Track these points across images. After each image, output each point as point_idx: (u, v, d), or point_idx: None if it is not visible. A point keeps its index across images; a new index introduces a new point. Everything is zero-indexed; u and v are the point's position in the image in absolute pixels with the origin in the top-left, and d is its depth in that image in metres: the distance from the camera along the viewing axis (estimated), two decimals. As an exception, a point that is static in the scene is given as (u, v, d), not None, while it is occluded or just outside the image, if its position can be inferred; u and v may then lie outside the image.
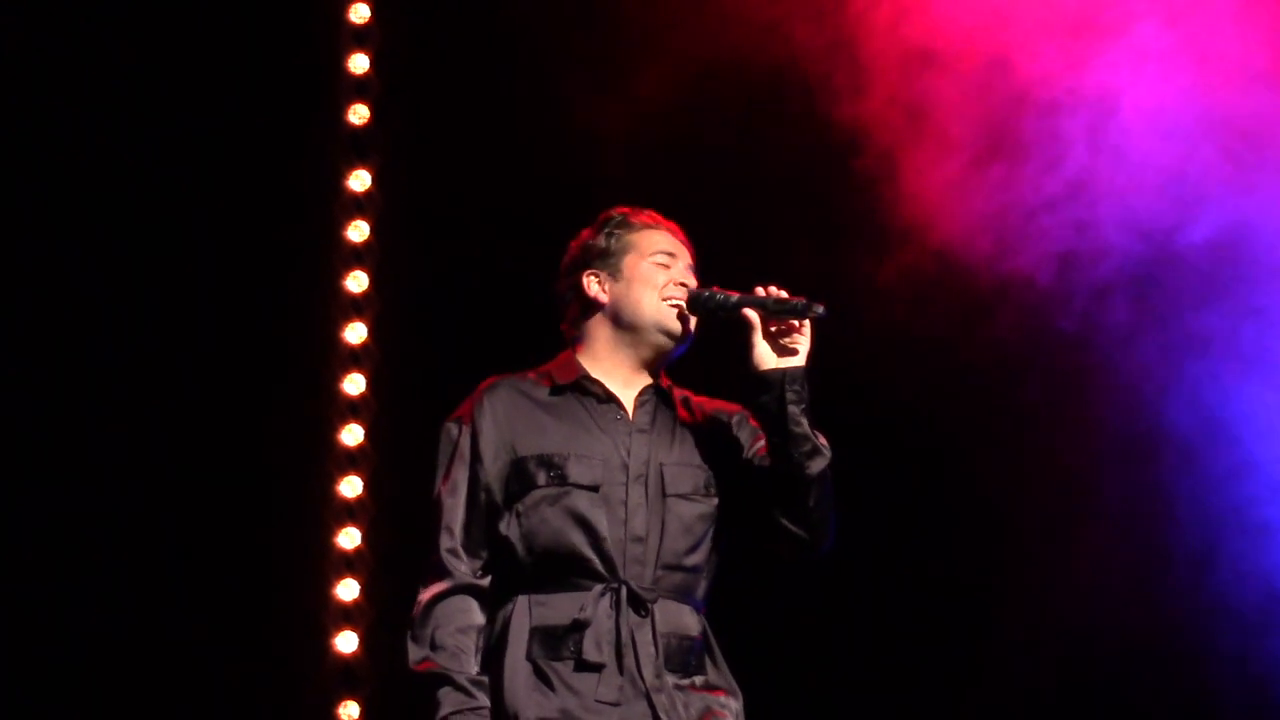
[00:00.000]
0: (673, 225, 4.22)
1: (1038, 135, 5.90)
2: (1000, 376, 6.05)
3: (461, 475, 4.06)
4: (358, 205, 6.58)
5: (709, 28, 6.13)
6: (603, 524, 3.99)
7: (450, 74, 6.46)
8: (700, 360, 4.22)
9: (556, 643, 3.96)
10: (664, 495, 4.04)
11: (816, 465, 4.00)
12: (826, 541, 4.06)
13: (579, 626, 3.95)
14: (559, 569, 3.99)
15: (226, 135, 6.37)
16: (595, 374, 4.12)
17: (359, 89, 6.61)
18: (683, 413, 4.15)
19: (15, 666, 6.11)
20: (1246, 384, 5.80)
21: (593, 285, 4.16)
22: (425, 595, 4.00)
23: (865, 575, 6.02)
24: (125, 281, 6.31)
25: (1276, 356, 5.79)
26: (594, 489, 4.01)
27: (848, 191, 6.04)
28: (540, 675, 3.95)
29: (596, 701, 3.92)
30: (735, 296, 4.07)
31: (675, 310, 4.11)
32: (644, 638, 3.96)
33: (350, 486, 6.47)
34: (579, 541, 3.98)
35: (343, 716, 6.36)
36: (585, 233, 4.22)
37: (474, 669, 3.95)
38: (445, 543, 4.03)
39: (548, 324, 4.27)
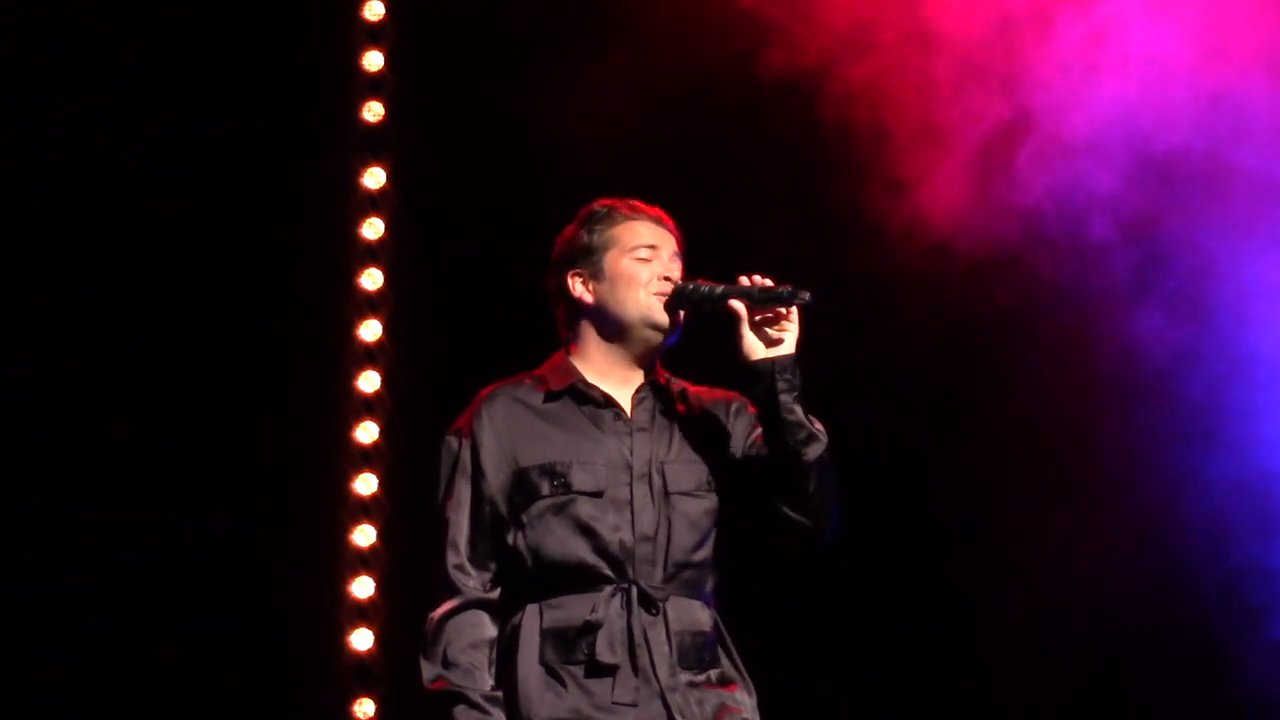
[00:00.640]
0: (656, 211, 4.17)
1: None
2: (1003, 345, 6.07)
3: (464, 490, 4.04)
4: (372, 202, 6.58)
5: (711, 24, 6.14)
6: (610, 528, 3.97)
7: (464, 71, 6.45)
8: (696, 348, 4.18)
9: (569, 645, 3.94)
10: (668, 493, 4.02)
11: (813, 451, 3.97)
12: (831, 527, 4.03)
13: (591, 628, 3.93)
14: (569, 576, 3.97)
15: (241, 133, 6.37)
16: (589, 374, 4.09)
17: (373, 86, 6.60)
18: (681, 406, 4.12)
19: (32, 664, 6.12)
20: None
21: (577, 286, 4.12)
22: (435, 613, 3.99)
23: (869, 554, 6.02)
24: (137, 280, 6.31)
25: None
26: (598, 494, 3.99)
27: (831, 170, 6.05)
28: (554, 677, 3.94)
29: (613, 703, 3.91)
30: (720, 288, 4.02)
31: (660, 305, 4.07)
32: (657, 636, 3.95)
33: (365, 484, 6.47)
34: (587, 548, 3.97)
35: (358, 714, 6.35)
36: (568, 229, 4.19)
37: (488, 685, 3.94)
38: (451, 559, 4.01)
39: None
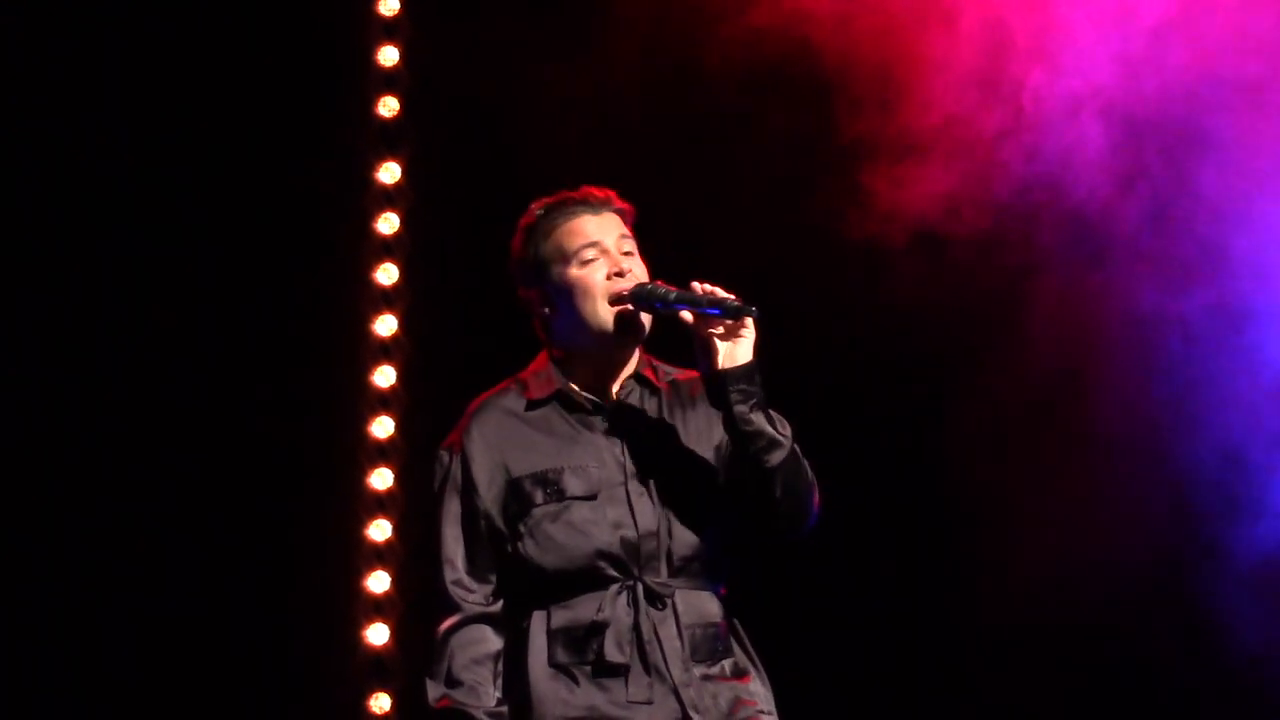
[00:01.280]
0: (590, 193, 4.07)
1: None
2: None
3: (457, 506, 4.02)
4: (388, 198, 6.58)
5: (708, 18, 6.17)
6: (609, 530, 3.95)
7: (480, 65, 6.45)
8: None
9: (578, 645, 3.93)
10: (665, 487, 3.99)
11: (775, 458, 3.92)
12: (805, 523, 4.00)
13: (598, 628, 3.92)
14: (573, 580, 3.95)
15: (257, 128, 6.37)
16: (572, 376, 4.05)
17: (389, 82, 6.60)
18: (670, 397, 4.08)
19: (47, 659, 6.13)
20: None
21: (537, 304, 4.06)
22: (438, 631, 3.98)
23: (865, 540, 6.06)
24: (152, 276, 6.31)
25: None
26: (593, 497, 3.97)
27: (821, 145, 6.08)
28: (566, 675, 3.93)
29: (628, 701, 3.90)
30: (674, 294, 3.93)
31: (618, 315, 3.99)
32: (668, 632, 3.94)
33: (381, 479, 6.47)
34: (588, 552, 3.95)
35: (374, 709, 6.36)
36: (515, 242, 4.10)
37: (492, 701, 3.94)
38: (449, 575, 3.99)
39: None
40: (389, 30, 6.63)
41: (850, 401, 6.14)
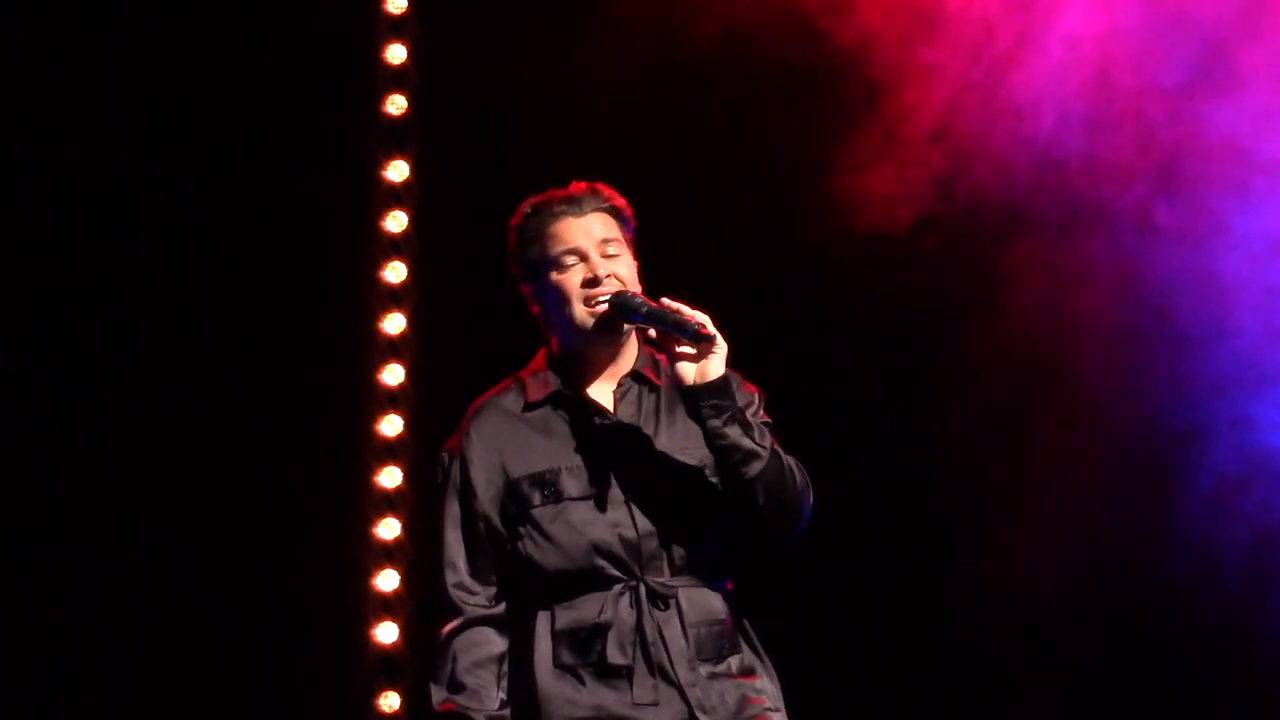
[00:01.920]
0: (575, 192, 4.08)
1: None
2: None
3: (457, 509, 4.04)
4: (396, 196, 6.58)
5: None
6: (608, 530, 3.96)
7: (487, 63, 6.44)
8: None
9: (582, 646, 3.94)
10: (665, 485, 3.99)
11: (752, 469, 3.92)
12: (794, 530, 4.00)
13: (601, 630, 3.92)
14: (575, 580, 3.96)
15: (264, 127, 6.37)
16: (570, 375, 4.06)
17: (396, 79, 6.60)
18: (669, 393, 4.06)
19: (57, 658, 6.13)
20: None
21: (530, 301, 4.10)
22: (440, 634, 4.00)
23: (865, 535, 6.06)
24: (160, 274, 6.31)
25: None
26: (591, 498, 3.97)
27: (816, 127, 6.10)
28: (572, 676, 3.93)
29: (634, 703, 3.90)
30: (645, 308, 3.95)
31: (595, 319, 4.00)
32: (673, 632, 3.94)
33: (390, 477, 6.47)
34: (589, 552, 3.95)
35: (383, 707, 6.36)
36: (510, 239, 4.13)
37: (495, 704, 3.95)
38: (450, 578, 4.01)
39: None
40: (397, 28, 6.63)
41: (841, 388, 6.16)
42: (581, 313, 4.01)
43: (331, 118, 6.48)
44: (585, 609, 3.94)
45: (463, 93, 6.51)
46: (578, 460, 4.00)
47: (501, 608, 4.01)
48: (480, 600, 4.00)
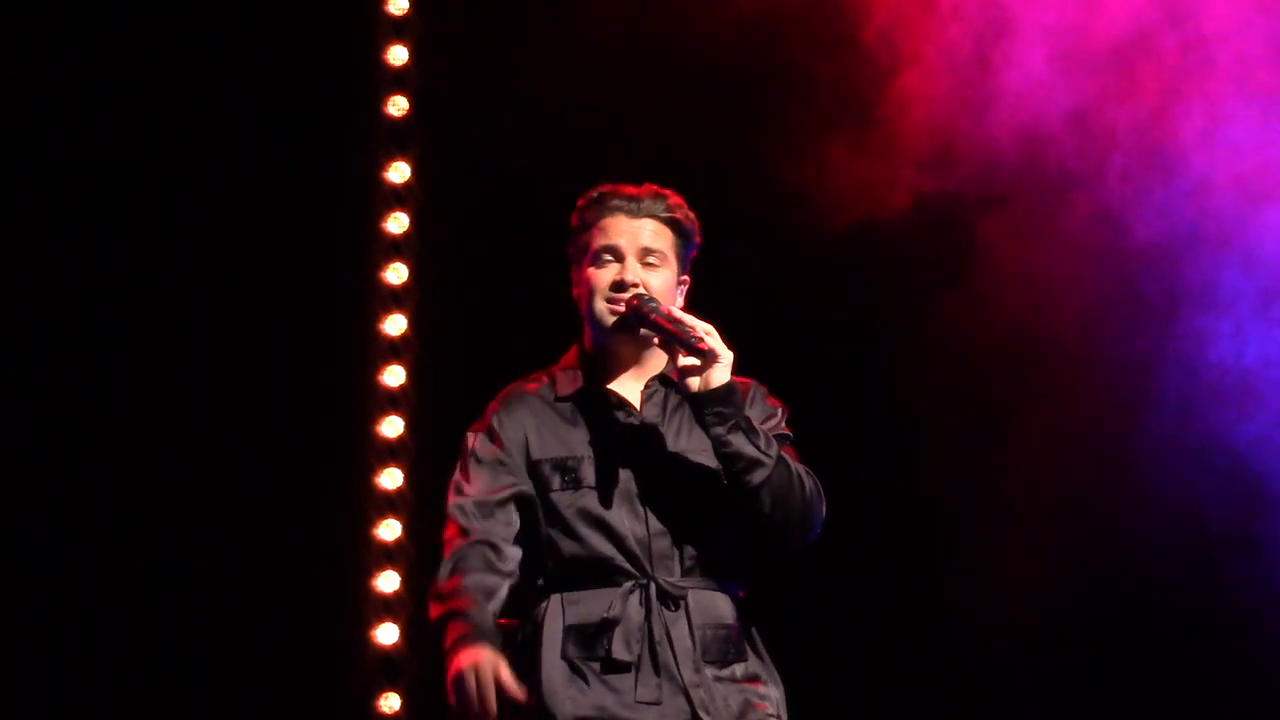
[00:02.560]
0: (636, 194, 4.09)
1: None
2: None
3: (487, 449, 4.04)
4: (397, 197, 6.58)
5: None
6: (624, 524, 3.98)
7: (489, 64, 6.45)
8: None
9: (589, 641, 3.95)
10: (682, 487, 4.01)
11: (757, 477, 3.94)
12: (804, 538, 4.01)
13: (608, 625, 3.94)
14: (587, 569, 3.98)
15: (265, 128, 6.37)
16: (599, 373, 4.09)
17: (398, 81, 6.61)
18: None
19: (59, 659, 6.13)
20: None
21: (574, 284, 4.14)
22: (444, 553, 4.01)
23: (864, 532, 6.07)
24: (160, 277, 6.32)
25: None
26: (609, 492, 3.99)
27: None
28: (577, 673, 3.94)
29: (636, 701, 3.91)
30: (654, 316, 3.98)
31: (612, 319, 4.04)
32: (680, 632, 3.95)
33: (390, 478, 6.47)
34: (602, 543, 3.98)
35: (384, 708, 6.36)
36: (571, 220, 4.16)
37: (489, 618, 3.91)
38: (454, 499, 4.03)
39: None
40: (398, 29, 6.63)
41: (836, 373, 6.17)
42: (602, 308, 4.05)
43: (333, 119, 6.48)
44: (594, 604, 3.96)
45: (464, 94, 6.52)
46: (600, 452, 4.02)
47: (508, 545, 3.98)
48: (483, 526, 3.98)
